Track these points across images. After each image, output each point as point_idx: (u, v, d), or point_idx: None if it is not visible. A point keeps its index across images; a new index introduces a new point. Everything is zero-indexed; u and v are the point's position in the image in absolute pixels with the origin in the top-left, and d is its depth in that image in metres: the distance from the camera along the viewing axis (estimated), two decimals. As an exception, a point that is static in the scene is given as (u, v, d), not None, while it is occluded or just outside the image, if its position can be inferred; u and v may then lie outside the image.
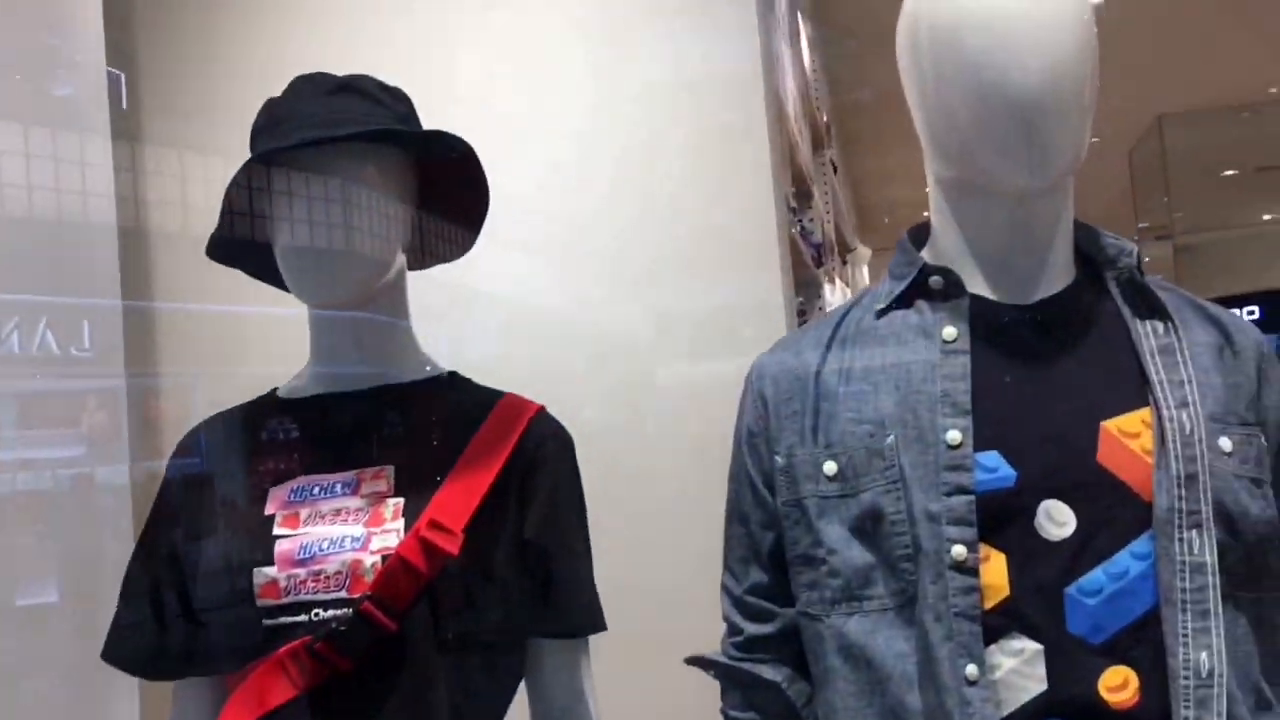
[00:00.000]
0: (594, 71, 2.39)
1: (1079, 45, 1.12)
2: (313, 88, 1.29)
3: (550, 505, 1.30)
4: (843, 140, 7.15)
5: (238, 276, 1.38)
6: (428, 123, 1.36)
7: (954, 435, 1.11)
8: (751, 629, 1.25)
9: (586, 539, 1.35)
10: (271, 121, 1.28)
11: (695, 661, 1.29)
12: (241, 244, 1.30)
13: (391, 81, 1.35)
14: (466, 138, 1.32)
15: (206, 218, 1.32)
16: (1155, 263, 11.16)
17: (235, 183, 1.24)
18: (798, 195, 3.32)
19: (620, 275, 2.38)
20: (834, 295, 4.27)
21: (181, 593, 1.27)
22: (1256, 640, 1.11)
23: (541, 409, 1.36)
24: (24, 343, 1.94)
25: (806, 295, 3.20)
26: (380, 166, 1.28)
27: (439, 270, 1.46)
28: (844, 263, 6.14)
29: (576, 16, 2.42)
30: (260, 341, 2.32)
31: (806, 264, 3.16)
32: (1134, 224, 11.02)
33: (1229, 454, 1.12)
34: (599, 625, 1.33)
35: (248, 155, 1.26)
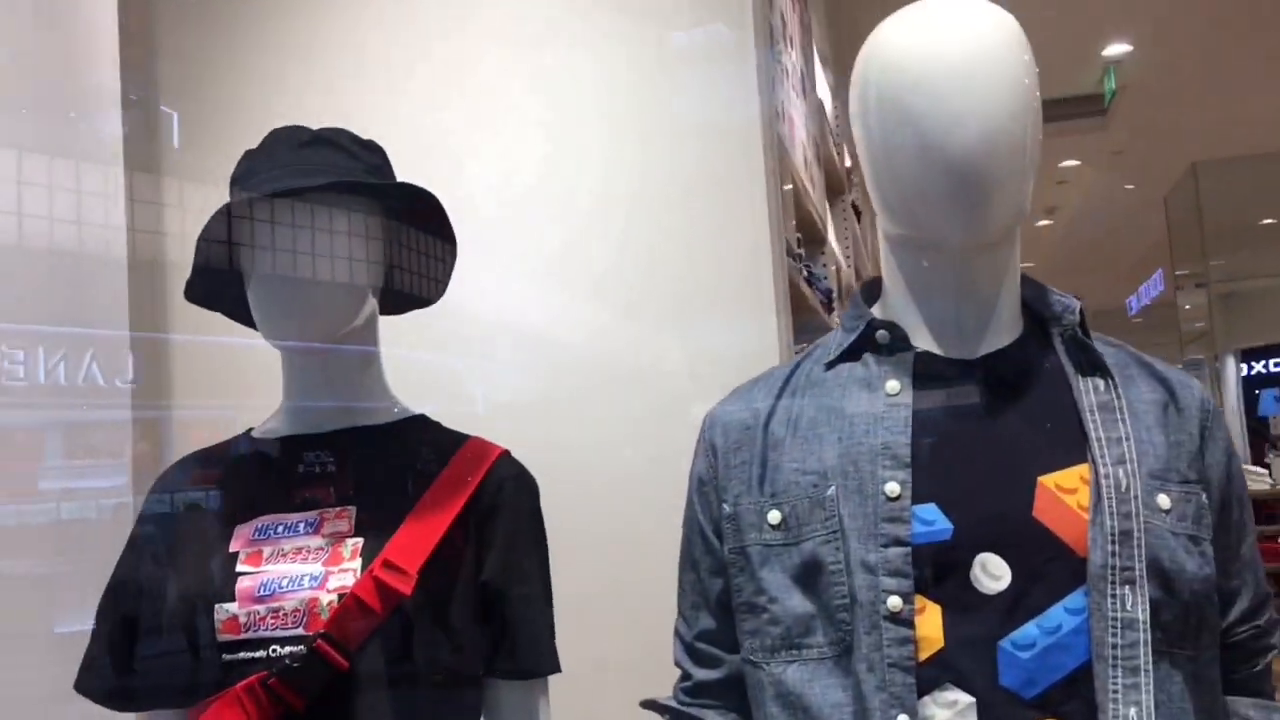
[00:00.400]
0: (594, 121, 2.44)
1: (1018, 109, 1.15)
2: (287, 140, 1.34)
3: (508, 548, 1.33)
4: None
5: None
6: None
7: (892, 487, 1.13)
8: (700, 674, 1.27)
9: (545, 582, 1.38)
10: (247, 172, 1.33)
11: (649, 705, 1.31)
12: (216, 287, 1.35)
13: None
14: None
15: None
16: (1193, 311, 11.08)
17: (208, 229, 1.29)
18: (806, 241, 3.35)
19: (623, 319, 2.42)
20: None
21: (148, 626, 1.31)
22: (1193, 697, 1.12)
23: (505, 452, 1.39)
24: (70, 374, 2.01)
25: (813, 340, 3.21)
26: (349, 216, 1.33)
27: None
28: (870, 307, 6.14)
29: (581, 70, 2.47)
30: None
31: (814, 309, 3.18)
32: (1171, 271, 10.96)
33: (1167, 511, 1.14)
34: (552, 667, 1.36)
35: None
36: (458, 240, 1.43)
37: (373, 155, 1.38)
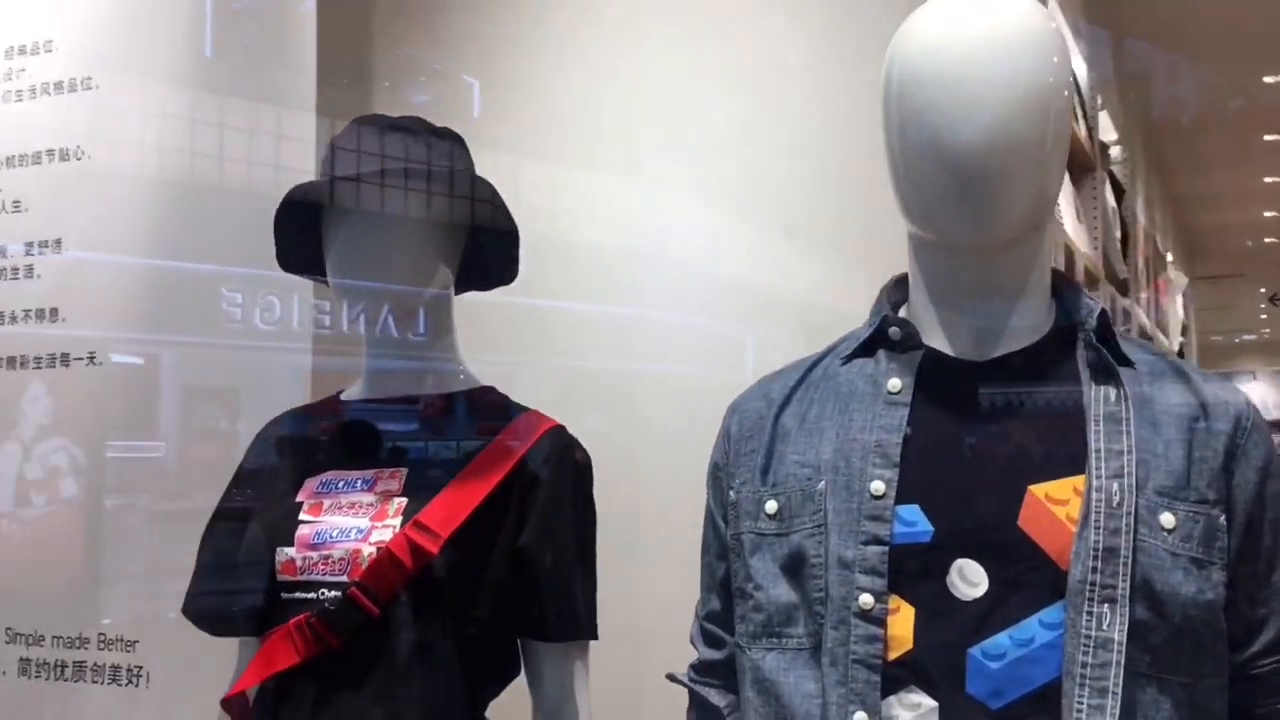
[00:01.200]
0: (751, 104, 2.48)
1: (1036, 105, 1.11)
2: (367, 128, 1.45)
3: (546, 515, 1.40)
4: (1159, 163, 6.77)
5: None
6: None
7: (878, 485, 1.13)
8: (705, 654, 1.30)
9: (585, 550, 1.44)
10: (331, 155, 1.45)
11: (671, 678, 1.36)
12: (302, 258, 1.48)
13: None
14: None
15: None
16: None
17: (284, 208, 1.42)
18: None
19: (772, 301, 2.46)
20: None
21: (231, 562, 1.46)
22: None
23: (556, 426, 1.46)
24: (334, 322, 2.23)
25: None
26: (418, 196, 1.43)
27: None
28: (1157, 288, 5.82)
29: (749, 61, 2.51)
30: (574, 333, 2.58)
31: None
32: None
33: (1169, 531, 1.08)
34: (587, 634, 1.43)
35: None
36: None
37: (444, 142, 1.47)
